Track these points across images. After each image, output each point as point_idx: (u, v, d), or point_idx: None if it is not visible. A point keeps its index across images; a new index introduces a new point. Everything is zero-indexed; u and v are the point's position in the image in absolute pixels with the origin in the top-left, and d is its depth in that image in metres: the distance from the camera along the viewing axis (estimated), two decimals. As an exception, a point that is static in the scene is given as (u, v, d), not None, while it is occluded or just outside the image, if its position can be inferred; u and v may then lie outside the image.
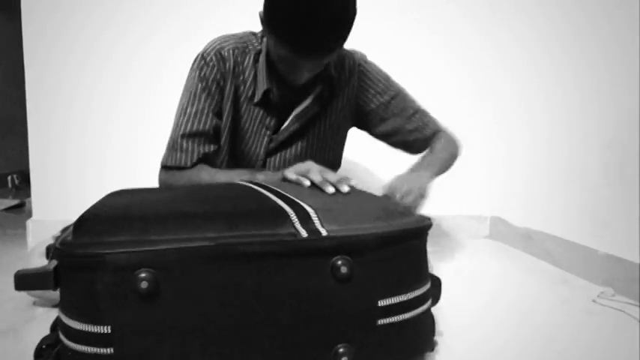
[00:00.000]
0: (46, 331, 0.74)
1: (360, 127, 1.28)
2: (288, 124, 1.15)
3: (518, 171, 1.77)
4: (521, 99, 1.75)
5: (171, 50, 1.72)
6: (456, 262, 1.53)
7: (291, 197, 0.76)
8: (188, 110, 1.10)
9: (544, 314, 1.07)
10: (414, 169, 1.14)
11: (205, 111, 1.10)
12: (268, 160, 1.18)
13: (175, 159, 1.10)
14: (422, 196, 1.03)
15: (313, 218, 0.69)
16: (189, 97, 1.11)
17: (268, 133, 1.16)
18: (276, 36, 0.95)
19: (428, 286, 0.76)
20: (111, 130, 1.73)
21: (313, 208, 0.71)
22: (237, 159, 1.18)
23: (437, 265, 1.48)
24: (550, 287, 1.27)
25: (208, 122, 1.10)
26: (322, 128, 1.19)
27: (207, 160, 1.12)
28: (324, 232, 0.67)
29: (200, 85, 1.10)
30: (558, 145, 1.52)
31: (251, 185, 0.89)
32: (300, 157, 1.17)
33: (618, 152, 1.26)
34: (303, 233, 0.66)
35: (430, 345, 0.80)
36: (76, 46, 1.69)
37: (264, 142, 1.16)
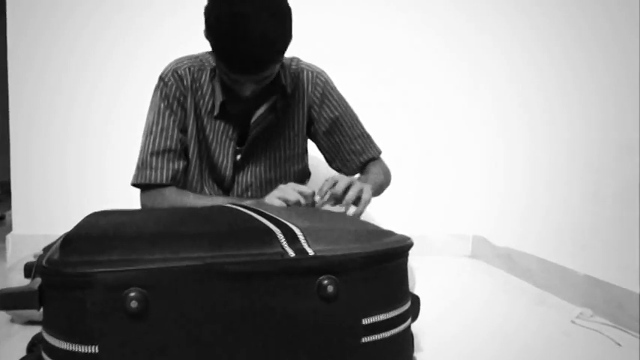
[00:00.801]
0: (24, 351, 0.74)
1: (309, 135, 1.31)
2: (249, 133, 1.18)
3: (500, 191, 1.81)
4: (507, 107, 1.79)
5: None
6: (438, 281, 1.54)
7: (277, 218, 0.78)
8: (154, 129, 1.14)
9: (523, 334, 1.08)
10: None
11: (170, 128, 1.14)
12: (238, 171, 1.21)
13: (145, 176, 1.12)
14: (366, 193, 1.06)
15: (300, 238, 0.70)
16: (154, 117, 1.15)
17: (232, 144, 1.19)
18: (214, 52, 1.00)
19: (409, 303, 0.78)
20: (95, 144, 1.72)
21: (299, 228, 0.73)
22: (207, 172, 1.20)
23: (419, 283, 1.49)
24: (530, 307, 1.30)
25: (175, 138, 1.13)
26: (286, 138, 1.23)
27: (176, 176, 1.14)
28: (310, 252, 0.68)
29: (162, 104, 1.14)
30: (540, 167, 1.56)
31: (236, 207, 0.91)
32: (269, 168, 1.22)
33: (597, 175, 1.30)
34: (291, 253, 0.67)
35: None
36: (58, 57, 1.69)
37: (230, 153, 1.19)
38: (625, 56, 1.20)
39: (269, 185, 1.22)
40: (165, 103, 1.14)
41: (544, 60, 1.53)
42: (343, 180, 1.03)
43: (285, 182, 1.15)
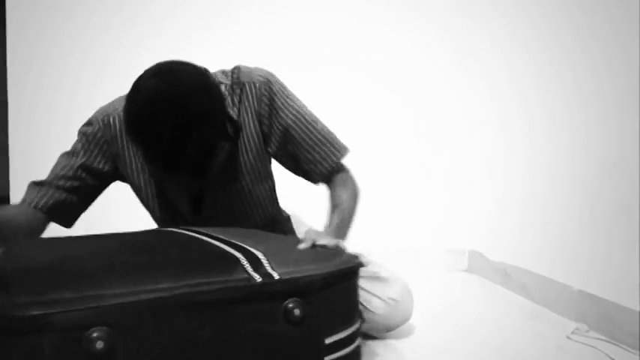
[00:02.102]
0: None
1: (269, 154, 1.19)
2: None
3: (495, 206, 1.82)
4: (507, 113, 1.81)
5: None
6: (434, 295, 1.55)
7: (235, 242, 0.77)
8: (61, 161, 1.09)
9: (518, 349, 1.08)
10: (328, 232, 1.04)
11: (76, 166, 1.07)
12: (202, 209, 1.13)
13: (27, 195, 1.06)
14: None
15: (264, 262, 0.70)
16: (69, 152, 1.10)
17: (154, 189, 1.13)
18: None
19: (360, 319, 0.79)
20: None
21: (261, 252, 0.72)
22: (169, 218, 1.15)
23: (414, 298, 1.50)
24: (525, 322, 1.30)
25: (70, 174, 1.07)
26: (249, 160, 1.13)
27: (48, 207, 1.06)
28: (276, 276, 0.67)
29: (80, 143, 1.09)
30: (537, 182, 1.57)
31: (188, 232, 0.88)
32: (241, 196, 1.14)
33: (592, 191, 1.31)
34: (257, 278, 0.66)
35: None
36: (60, 69, 1.70)
37: (186, 195, 1.12)
38: (625, 56, 1.20)
39: (241, 216, 1.16)
40: (83, 141, 1.09)
41: (544, 60, 1.52)
42: (320, 241, 0.86)
43: (256, 212, 1.15)
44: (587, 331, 1.21)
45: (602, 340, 1.15)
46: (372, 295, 1.12)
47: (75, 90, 1.72)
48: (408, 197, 1.93)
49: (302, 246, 0.81)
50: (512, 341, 1.14)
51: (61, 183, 1.06)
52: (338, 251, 0.82)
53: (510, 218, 1.71)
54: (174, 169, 0.91)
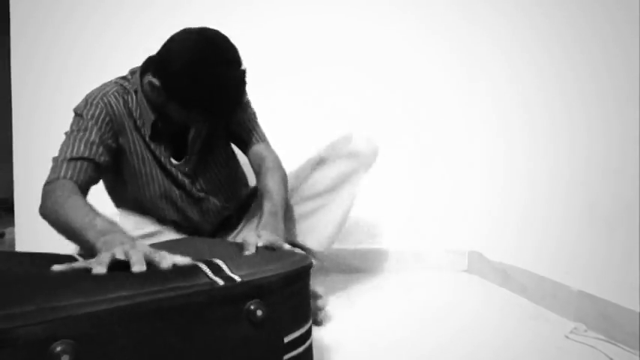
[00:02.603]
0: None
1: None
2: (190, 147, 1.22)
3: (495, 207, 1.84)
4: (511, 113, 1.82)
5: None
6: (434, 295, 1.56)
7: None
8: (78, 136, 1.08)
9: (518, 348, 1.09)
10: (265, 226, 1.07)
11: (97, 142, 1.09)
12: (190, 180, 1.23)
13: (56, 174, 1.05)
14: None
15: (223, 267, 0.71)
16: (79, 129, 1.09)
17: (170, 160, 1.20)
18: (190, 107, 1.07)
19: (311, 317, 0.82)
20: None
21: (219, 258, 0.73)
22: (150, 187, 1.21)
23: (413, 298, 1.52)
24: (524, 322, 1.31)
25: (99, 153, 1.08)
26: (222, 141, 1.29)
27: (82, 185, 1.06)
28: (237, 279, 0.69)
29: (90, 122, 1.09)
30: (536, 183, 1.59)
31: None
32: (219, 171, 1.28)
33: (592, 192, 1.33)
34: (220, 281, 0.67)
35: None
36: (65, 72, 1.71)
37: (160, 177, 1.20)
38: (625, 56, 1.20)
39: (224, 187, 1.30)
40: (93, 121, 1.10)
41: (544, 60, 1.53)
42: (261, 242, 0.90)
43: (233, 180, 1.30)
44: (585, 331, 1.22)
45: (600, 339, 1.17)
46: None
47: (75, 90, 1.73)
48: (408, 198, 1.94)
49: (247, 252, 0.82)
50: (512, 341, 1.15)
51: (92, 157, 1.07)
52: (290, 251, 0.85)
53: (510, 219, 1.72)
54: (229, 108, 1.10)
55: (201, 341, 0.65)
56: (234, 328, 0.68)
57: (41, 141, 1.70)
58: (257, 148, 1.29)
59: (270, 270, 0.73)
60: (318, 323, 1.22)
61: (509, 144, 1.74)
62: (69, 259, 0.83)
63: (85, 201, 0.97)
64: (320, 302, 1.23)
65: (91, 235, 0.82)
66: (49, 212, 0.97)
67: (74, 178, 1.03)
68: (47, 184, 1.03)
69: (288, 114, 1.86)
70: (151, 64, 1.12)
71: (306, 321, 0.78)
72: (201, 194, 1.26)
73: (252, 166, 1.29)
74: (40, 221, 1.69)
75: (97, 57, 1.73)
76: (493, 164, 1.85)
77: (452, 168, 1.97)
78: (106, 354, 0.57)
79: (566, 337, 1.19)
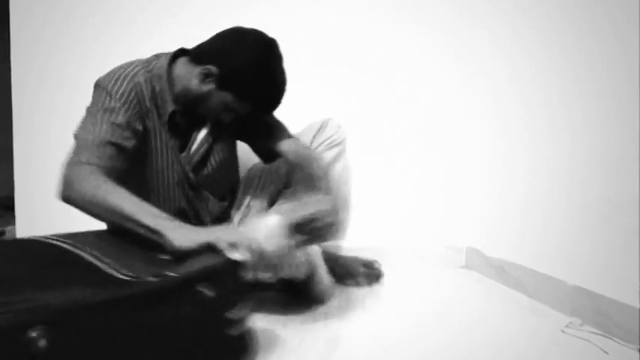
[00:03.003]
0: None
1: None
2: (198, 147, 1.24)
3: (493, 204, 1.85)
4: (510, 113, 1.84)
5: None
6: (432, 291, 1.58)
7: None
8: (105, 116, 1.07)
9: (514, 343, 1.11)
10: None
11: (124, 124, 1.08)
12: (194, 177, 1.25)
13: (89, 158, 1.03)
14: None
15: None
16: (106, 109, 1.08)
17: (175, 153, 1.22)
18: (246, 98, 1.13)
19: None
20: None
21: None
22: (158, 181, 1.22)
23: (412, 294, 1.53)
24: (521, 317, 1.33)
25: (126, 137, 1.08)
26: (224, 145, 1.31)
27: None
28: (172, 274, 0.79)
29: (119, 102, 1.08)
30: (535, 180, 1.60)
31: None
32: (217, 176, 1.29)
33: (587, 189, 1.34)
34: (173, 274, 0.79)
35: None
36: (66, 69, 1.72)
37: (176, 164, 1.22)
38: (625, 56, 1.21)
39: (223, 183, 1.33)
40: (122, 100, 1.08)
41: (544, 60, 1.54)
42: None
43: (232, 177, 1.34)
44: (581, 325, 1.24)
45: (595, 333, 1.19)
46: None
47: (75, 90, 1.74)
48: (407, 196, 1.95)
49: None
50: (509, 335, 1.17)
51: (118, 141, 1.06)
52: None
53: (507, 216, 1.74)
54: (279, 103, 1.22)
55: (160, 323, 0.73)
56: (187, 308, 0.77)
57: (41, 139, 1.71)
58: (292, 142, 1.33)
59: (212, 261, 0.85)
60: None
61: (508, 142, 1.76)
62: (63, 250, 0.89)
63: (123, 187, 0.98)
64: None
65: (148, 220, 0.90)
66: (83, 196, 0.97)
67: (101, 164, 1.02)
68: (71, 165, 1.02)
69: (289, 114, 1.87)
70: (204, 54, 1.15)
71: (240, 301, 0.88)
72: (203, 190, 1.28)
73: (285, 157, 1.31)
74: (40, 219, 1.70)
75: (96, 55, 1.74)
76: (491, 162, 1.87)
77: (450, 166, 1.98)
78: (80, 339, 0.63)
79: (562, 331, 1.20)
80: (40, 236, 0.95)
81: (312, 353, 1.01)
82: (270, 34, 1.87)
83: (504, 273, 1.69)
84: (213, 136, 1.27)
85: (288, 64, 1.86)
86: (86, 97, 1.73)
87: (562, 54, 1.45)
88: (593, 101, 1.31)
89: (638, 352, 1.07)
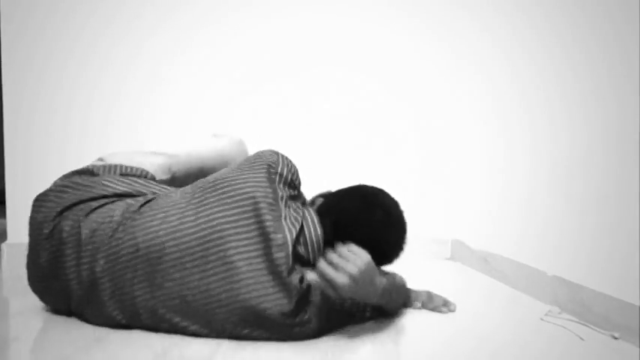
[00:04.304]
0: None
1: None
2: None
3: (477, 199, 1.90)
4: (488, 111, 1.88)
5: (160, 70, 1.79)
6: (419, 283, 1.62)
7: None
8: None
9: (496, 330, 1.17)
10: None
11: None
12: None
13: None
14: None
15: None
16: None
17: None
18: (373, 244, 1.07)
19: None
20: (95, 145, 1.73)
21: None
22: None
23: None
24: (503, 306, 1.38)
25: None
26: None
27: None
28: None
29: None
30: (515, 176, 1.65)
31: None
32: None
33: (564, 183, 1.39)
34: None
35: None
36: (54, 64, 1.72)
37: None
38: (625, 56, 1.21)
39: None
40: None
41: (544, 60, 1.53)
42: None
43: None
44: (559, 313, 1.29)
45: (572, 321, 1.24)
46: None
47: (75, 91, 1.76)
48: (393, 191, 1.99)
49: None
50: (491, 323, 1.22)
51: None
52: None
53: (490, 209, 1.79)
54: None
55: None
56: None
57: (32, 133, 1.72)
58: None
59: None
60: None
61: (492, 139, 1.80)
62: None
63: None
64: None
65: None
66: None
67: None
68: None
69: (288, 114, 1.90)
70: (333, 210, 1.13)
71: None
72: None
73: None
74: (27, 210, 1.67)
75: (95, 55, 1.75)
76: (473, 160, 1.91)
77: (434, 162, 2.03)
78: None
79: (541, 319, 1.26)
80: None
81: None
82: (270, 34, 1.90)
83: (488, 264, 1.74)
84: None
85: (289, 64, 1.89)
86: (85, 94, 1.75)
87: (562, 54, 1.45)
88: (593, 101, 1.32)
89: (612, 338, 1.12)
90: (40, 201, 1.15)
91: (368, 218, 1.12)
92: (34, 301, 1.21)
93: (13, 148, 1.71)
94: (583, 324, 1.22)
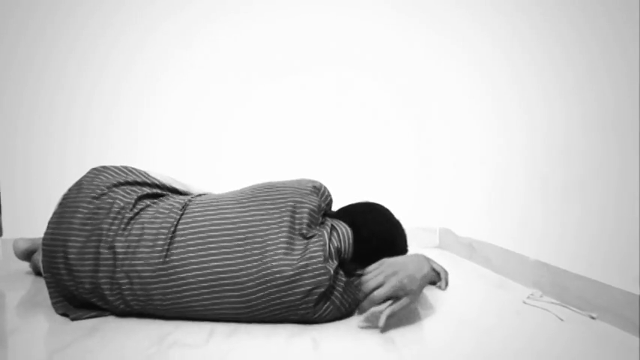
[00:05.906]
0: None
1: None
2: None
3: (463, 188, 1.95)
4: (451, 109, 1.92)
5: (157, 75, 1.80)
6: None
7: None
8: None
9: (481, 313, 1.21)
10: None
11: None
12: None
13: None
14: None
15: None
16: None
17: None
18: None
19: None
20: (88, 147, 1.76)
21: None
22: None
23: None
24: (488, 290, 1.43)
25: None
26: None
27: None
28: None
29: None
30: (498, 167, 1.69)
31: None
32: None
33: (544, 171, 1.44)
34: None
35: None
36: (54, 64, 1.74)
37: None
38: (625, 56, 1.22)
39: None
40: None
41: (544, 60, 1.54)
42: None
43: None
44: (541, 296, 1.34)
45: (553, 303, 1.29)
46: None
47: (75, 91, 1.77)
48: (382, 180, 2.03)
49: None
50: (477, 306, 1.27)
51: None
52: None
53: (475, 198, 1.83)
54: None
55: None
56: None
57: (25, 135, 1.73)
58: None
59: None
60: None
61: (483, 134, 1.84)
62: None
63: None
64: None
65: None
66: None
67: None
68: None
69: (288, 114, 1.92)
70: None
71: None
72: None
73: None
74: (27, 209, 1.72)
75: (95, 55, 1.76)
76: (459, 150, 1.95)
77: (422, 152, 2.06)
78: None
79: (524, 302, 1.30)
80: None
81: (284, 331, 1.08)
82: (270, 34, 1.92)
83: (473, 251, 1.79)
84: None
85: (289, 64, 1.90)
86: (85, 95, 1.76)
87: (562, 54, 1.46)
88: (593, 101, 1.33)
89: (590, 318, 1.17)
90: (100, 170, 1.24)
91: (378, 215, 1.35)
92: (31, 295, 1.24)
93: (18, 153, 1.73)
94: (563, 305, 1.26)
